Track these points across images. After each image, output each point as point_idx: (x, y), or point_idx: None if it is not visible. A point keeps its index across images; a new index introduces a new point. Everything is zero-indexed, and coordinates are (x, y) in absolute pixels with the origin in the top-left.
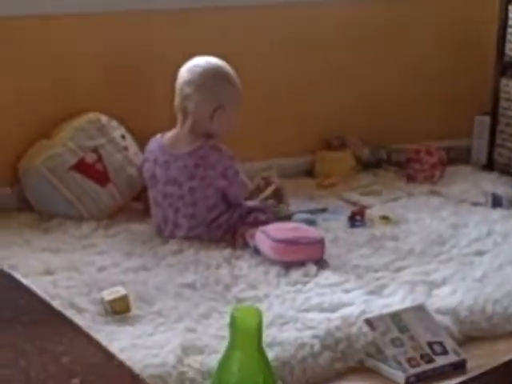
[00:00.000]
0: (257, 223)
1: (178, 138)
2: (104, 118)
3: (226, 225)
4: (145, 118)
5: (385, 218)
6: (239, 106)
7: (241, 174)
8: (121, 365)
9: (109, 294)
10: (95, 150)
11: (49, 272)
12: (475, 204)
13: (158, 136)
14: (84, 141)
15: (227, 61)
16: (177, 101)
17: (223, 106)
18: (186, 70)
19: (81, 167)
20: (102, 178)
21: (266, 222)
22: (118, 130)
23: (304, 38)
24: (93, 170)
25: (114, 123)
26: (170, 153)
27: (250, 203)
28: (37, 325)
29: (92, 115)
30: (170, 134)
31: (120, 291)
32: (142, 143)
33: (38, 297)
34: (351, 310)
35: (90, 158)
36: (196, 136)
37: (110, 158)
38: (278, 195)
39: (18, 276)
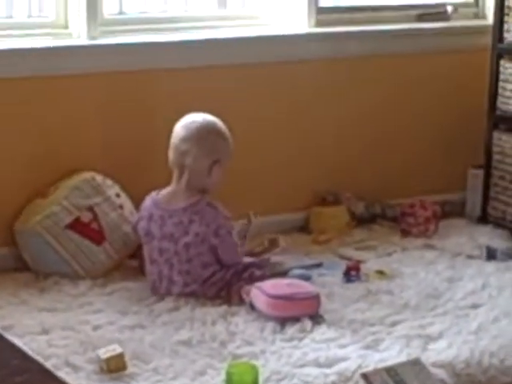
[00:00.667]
0: (252, 279)
1: (173, 193)
2: (99, 177)
3: (221, 282)
4: (139, 176)
5: (380, 273)
6: (230, 161)
7: (234, 235)
8: None
9: (104, 353)
10: (90, 208)
11: (44, 331)
12: (470, 257)
13: (153, 193)
14: (79, 200)
15: (220, 118)
16: (172, 157)
17: (219, 161)
18: (182, 127)
19: (76, 226)
20: (97, 237)
21: (261, 278)
22: (112, 189)
23: (296, 95)
24: (88, 229)
25: (109, 182)
26: (166, 208)
27: (246, 259)
28: None
29: (87, 174)
30: (165, 191)
31: (116, 349)
32: (136, 201)
33: (30, 357)
34: (347, 365)
35: (86, 216)
36: (192, 192)
37: (106, 217)
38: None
39: (10, 337)
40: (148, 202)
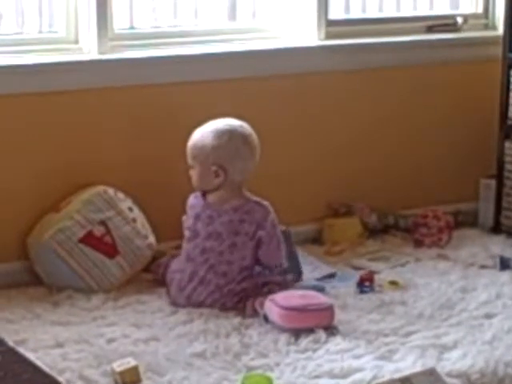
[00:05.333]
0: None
1: (220, 195)
2: (111, 191)
3: (243, 293)
4: (152, 190)
5: (393, 283)
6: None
7: (281, 236)
8: None
9: (119, 366)
10: (103, 222)
11: (58, 345)
12: (483, 267)
13: (198, 193)
14: (91, 213)
15: None
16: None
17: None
18: (212, 135)
19: (89, 240)
20: (110, 251)
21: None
22: (125, 203)
23: (307, 107)
24: (101, 243)
25: (121, 195)
26: (214, 208)
27: (269, 276)
28: None
29: (99, 188)
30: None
31: (130, 362)
32: (149, 214)
33: (42, 371)
34: (362, 376)
35: (98, 230)
36: (237, 193)
37: (118, 231)
38: None
39: (24, 351)
40: (193, 200)
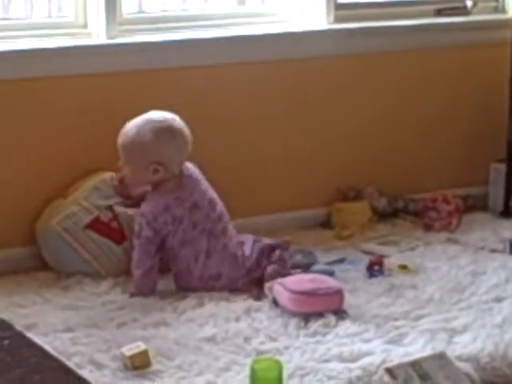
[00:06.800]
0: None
1: (169, 187)
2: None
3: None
4: None
5: (403, 267)
6: None
7: None
8: None
9: (128, 350)
10: (110, 208)
11: (68, 329)
12: (493, 251)
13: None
14: (98, 200)
15: (240, 115)
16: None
17: None
18: (150, 133)
19: (96, 226)
20: (117, 236)
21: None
22: None
23: (316, 91)
24: (108, 228)
25: None
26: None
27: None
28: (49, 383)
29: (106, 174)
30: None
31: (140, 346)
32: None
33: (49, 355)
34: (372, 360)
35: (105, 216)
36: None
37: (125, 216)
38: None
39: (34, 335)
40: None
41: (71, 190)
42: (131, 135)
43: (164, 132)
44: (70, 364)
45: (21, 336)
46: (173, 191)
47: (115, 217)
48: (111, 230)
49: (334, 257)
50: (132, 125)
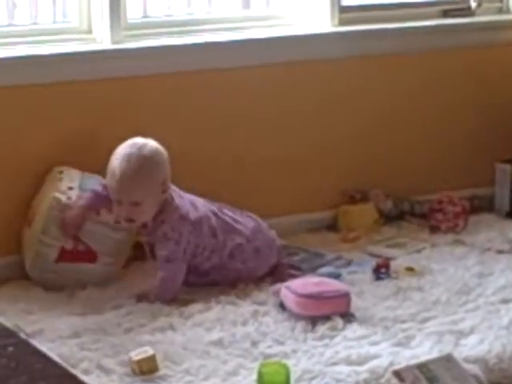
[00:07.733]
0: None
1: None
2: (63, 197)
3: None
4: None
5: (410, 270)
6: None
7: None
8: None
9: (136, 355)
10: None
11: (75, 335)
12: (500, 252)
13: None
14: (55, 229)
15: (247, 119)
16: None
17: None
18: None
19: (65, 256)
20: (88, 257)
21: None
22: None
23: (321, 93)
24: (77, 254)
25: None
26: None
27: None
28: None
29: (51, 198)
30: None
31: (147, 351)
32: None
33: (54, 362)
34: (379, 362)
35: (68, 243)
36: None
37: (87, 234)
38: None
39: (41, 341)
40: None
41: (31, 214)
42: (128, 174)
43: (158, 153)
44: (78, 370)
45: (25, 343)
46: (176, 210)
47: (77, 240)
48: (80, 254)
49: (340, 260)
50: (124, 156)
